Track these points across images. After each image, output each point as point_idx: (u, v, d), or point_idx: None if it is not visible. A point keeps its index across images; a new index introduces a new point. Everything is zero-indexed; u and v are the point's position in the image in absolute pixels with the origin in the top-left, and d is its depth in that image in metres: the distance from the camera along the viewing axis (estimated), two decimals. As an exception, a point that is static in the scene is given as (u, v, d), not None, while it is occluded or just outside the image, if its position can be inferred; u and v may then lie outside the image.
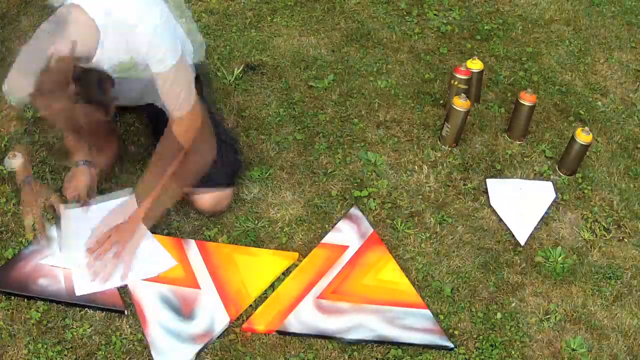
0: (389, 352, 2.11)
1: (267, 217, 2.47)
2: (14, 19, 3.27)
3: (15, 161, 2.38)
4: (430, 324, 2.16)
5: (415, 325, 2.16)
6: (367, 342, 2.12)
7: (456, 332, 2.18)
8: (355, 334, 2.12)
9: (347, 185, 2.60)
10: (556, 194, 2.62)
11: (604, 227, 2.55)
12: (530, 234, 2.47)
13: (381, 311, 2.19)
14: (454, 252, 2.42)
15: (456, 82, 2.80)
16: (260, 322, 2.13)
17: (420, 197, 2.58)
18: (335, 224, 2.45)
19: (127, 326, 2.11)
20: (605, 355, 2.18)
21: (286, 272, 2.29)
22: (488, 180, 2.64)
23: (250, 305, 2.19)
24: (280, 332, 2.12)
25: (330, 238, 2.39)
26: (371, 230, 2.42)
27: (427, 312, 2.20)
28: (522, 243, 2.44)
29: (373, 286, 2.26)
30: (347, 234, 2.41)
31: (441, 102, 2.98)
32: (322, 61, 3.16)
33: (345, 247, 2.36)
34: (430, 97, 3.01)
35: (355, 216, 2.47)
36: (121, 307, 2.14)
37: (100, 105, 1.89)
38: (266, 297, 2.21)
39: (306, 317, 2.15)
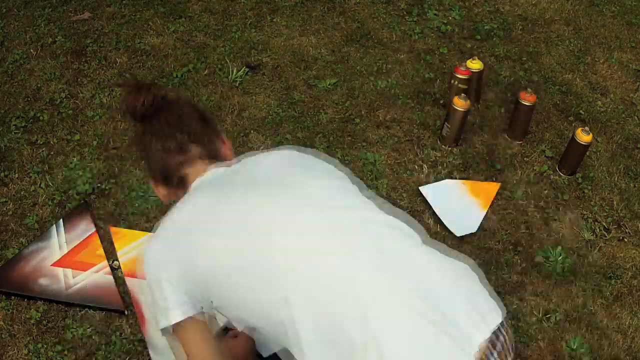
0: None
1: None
2: (14, 18, 3.28)
3: None
4: None
5: None
6: None
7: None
8: None
9: (347, 185, 2.60)
10: None
11: (604, 227, 2.55)
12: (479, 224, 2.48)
13: None
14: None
15: (456, 82, 2.80)
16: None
17: (420, 197, 2.58)
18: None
19: (127, 326, 2.11)
20: (605, 355, 2.17)
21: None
22: (421, 188, 2.60)
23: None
24: None
25: None
26: None
27: None
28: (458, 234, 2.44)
29: None
30: None
31: (441, 102, 2.98)
32: (322, 61, 3.16)
33: None
34: (430, 97, 3.01)
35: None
36: (121, 307, 2.14)
37: None
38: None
39: None
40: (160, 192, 1.63)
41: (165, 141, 1.56)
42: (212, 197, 1.47)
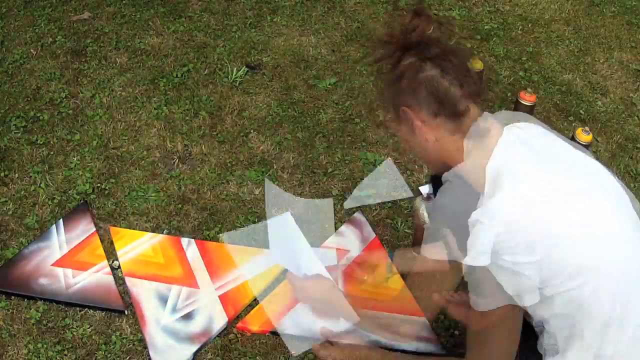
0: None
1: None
2: (14, 18, 3.28)
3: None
4: (426, 332, 2.14)
5: (411, 333, 2.13)
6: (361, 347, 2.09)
7: (456, 332, 2.18)
8: (349, 338, 2.10)
9: (347, 185, 2.60)
10: None
11: (604, 227, 2.54)
12: None
13: (377, 317, 2.16)
14: (454, 252, 2.41)
15: (456, 82, 2.80)
16: (255, 322, 2.13)
17: (421, 196, 2.58)
18: (338, 227, 2.44)
19: (127, 326, 2.11)
20: (605, 355, 2.17)
21: (285, 273, 2.29)
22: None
23: (250, 305, 2.19)
24: (274, 333, 2.11)
25: (332, 241, 2.38)
26: (373, 235, 2.41)
27: (424, 320, 2.17)
28: None
29: (371, 291, 2.24)
30: (348, 239, 2.39)
31: (441, 102, 2.98)
32: (322, 61, 3.16)
33: (346, 252, 2.35)
34: (430, 97, 3.01)
35: (358, 221, 2.45)
36: (121, 307, 2.14)
37: None
38: (265, 298, 2.21)
39: (301, 319, 2.13)
40: (413, 121, 1.58)
41: (446, 69, 1.52)
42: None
